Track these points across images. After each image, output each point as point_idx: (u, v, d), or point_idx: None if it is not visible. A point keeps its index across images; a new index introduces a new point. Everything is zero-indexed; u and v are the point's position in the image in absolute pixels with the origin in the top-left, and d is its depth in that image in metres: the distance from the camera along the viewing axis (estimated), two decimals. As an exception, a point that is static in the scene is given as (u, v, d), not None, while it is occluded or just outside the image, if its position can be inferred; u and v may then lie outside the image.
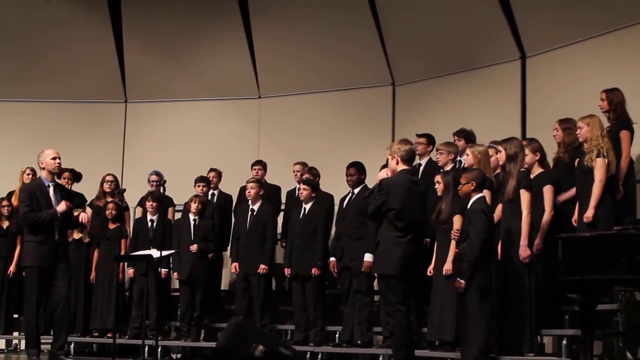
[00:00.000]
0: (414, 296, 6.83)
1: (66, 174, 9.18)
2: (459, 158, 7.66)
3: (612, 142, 6.37)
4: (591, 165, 6.29)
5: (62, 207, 7.23)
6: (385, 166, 6.86)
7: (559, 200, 6.70)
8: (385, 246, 6.04)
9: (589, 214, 6.20)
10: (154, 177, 9.40)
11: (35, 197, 7.23)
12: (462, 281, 6.10)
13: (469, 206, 6.26)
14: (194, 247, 8.73)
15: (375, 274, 6.58)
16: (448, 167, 7.54)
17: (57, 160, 7.35)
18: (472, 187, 6.26)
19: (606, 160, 6.24)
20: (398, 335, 6.02)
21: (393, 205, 6.01)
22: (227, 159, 10.48)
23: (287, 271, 8.40)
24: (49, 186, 7.33)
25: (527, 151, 6.58)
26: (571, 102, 8.06)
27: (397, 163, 6.16)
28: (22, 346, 9.68)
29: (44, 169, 7.38)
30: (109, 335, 8.78)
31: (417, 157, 8.15)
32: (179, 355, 8.85)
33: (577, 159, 6.57)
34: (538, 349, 6.46)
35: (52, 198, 7.29)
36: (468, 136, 7.85)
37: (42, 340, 9.57)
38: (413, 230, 6.09)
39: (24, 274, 9.20)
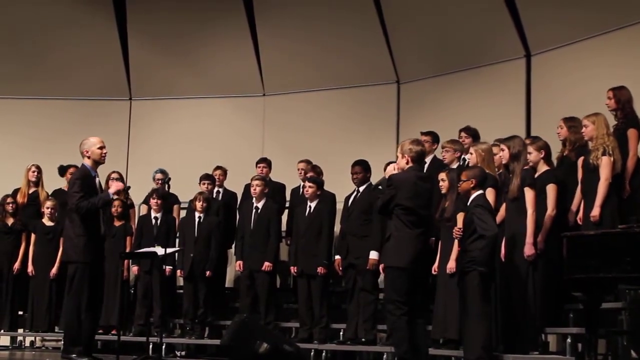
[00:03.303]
0: (421, 294, 6.81)
1: (159, 175, 9.29)
2: (463, 155, 7.64)
3: (619, 140, 6.35)
4: (596, 163, 6.26)
5: (115, 187, 6.84)
6: (390, 162, 6.88)
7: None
8: (397, 240, 6.05)
9: (595, 212, 6.18)
10: (158, 175, 9.42)
11: (87, 186, 6.73)
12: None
13: (468, 204, 6.25)
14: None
15: (381, 268, 6.56)
16: (454, 165, 7.51)
17: (105, 150, 6.84)
18: (472, 185, 6.23)
19: (612, 159, 6.22)
20: (397, 331, 6.04)
21: (402, 201, 6.03)
22: (231, 156, 10.49)
23: (292, 269, 8.40)
24: (95, 176, 6.87)
25: (532, 149, 6.53)
26: (576, 100, 8.04)
27: (407, 162, 6.18)
28: (27, 343, 9.72)
29: (88, 157, 6.82)
30: (113, 332, 8.81)
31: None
32: (183, 353, 8.85)
33: (582, 157, 6.56)
34: (542, 348, 6.46)
35: (99, 190, 6.89)
36: (475, 133, 7.82)
37: (46, 337, 9.67)
38: (422, 226, 6.11)
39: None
